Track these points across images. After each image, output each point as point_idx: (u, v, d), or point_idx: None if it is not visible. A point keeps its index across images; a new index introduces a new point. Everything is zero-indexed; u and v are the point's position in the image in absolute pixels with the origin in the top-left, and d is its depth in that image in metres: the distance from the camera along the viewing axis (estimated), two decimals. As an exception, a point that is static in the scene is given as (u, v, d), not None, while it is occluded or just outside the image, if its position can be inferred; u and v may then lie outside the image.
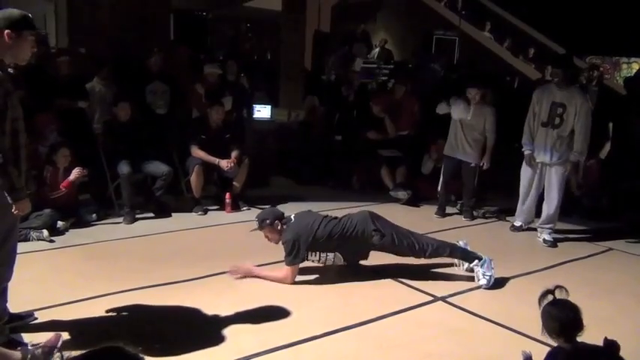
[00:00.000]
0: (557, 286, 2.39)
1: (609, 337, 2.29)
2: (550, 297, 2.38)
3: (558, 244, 5.33)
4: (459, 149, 6.02)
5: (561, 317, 2.30)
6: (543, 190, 5.39)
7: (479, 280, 4.13)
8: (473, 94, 5.90)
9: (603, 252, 5.21)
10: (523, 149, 5.39)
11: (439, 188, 6.24)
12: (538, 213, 5.52)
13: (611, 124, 6.76)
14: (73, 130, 5.90)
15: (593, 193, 6.47)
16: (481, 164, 5.97)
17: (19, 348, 2.81)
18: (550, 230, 5.37)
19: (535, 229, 5.54)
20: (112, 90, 6.32)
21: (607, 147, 6.83)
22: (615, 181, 6.36)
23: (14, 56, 2.90)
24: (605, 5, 12.10)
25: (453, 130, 6.08)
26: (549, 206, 5.32)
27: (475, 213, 6.18)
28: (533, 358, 2.48)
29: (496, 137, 5.93)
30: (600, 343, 2.30)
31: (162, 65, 6.64)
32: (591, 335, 2.30)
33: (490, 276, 4.10)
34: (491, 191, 6.72)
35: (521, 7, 13.11)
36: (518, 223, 5.70)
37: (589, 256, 5.07)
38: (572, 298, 2.38)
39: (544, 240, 5.34)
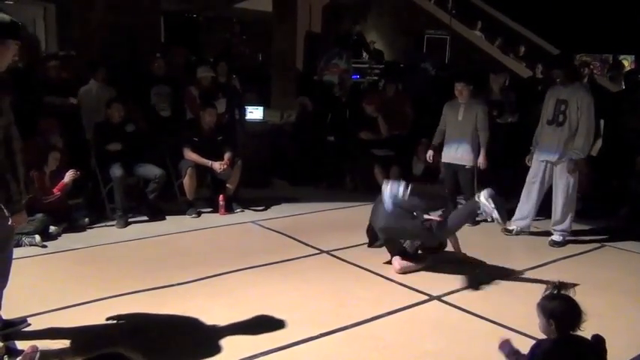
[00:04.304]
0: (562, 283, 2.39)
1: (601, 334, 2.32)
2: (554, 292, 2.37)
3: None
4: (454, 153, 5.82)
5: (561, 313, 2.30)
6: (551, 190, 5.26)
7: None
8: (459, 88, 5.72)
9: (596, 249, 5.23)
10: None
11: None
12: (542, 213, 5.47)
13: (602, 122, 6.76)
14: (66, 132, 5.87)
15: (584, 193, 6.42)
16: (478, 165, 5.71)
17: None
18: (562, 232, 5.20)
19: (529, 232, 5.49)
20: (110, 92, 6.26)
21: (599, 144, 6.82)
22: (609, 179, 6.35)
23: None
24: (595, 3, 12.17)
25: (446, 134, 5.90)
26: (556, 207, 5.21)
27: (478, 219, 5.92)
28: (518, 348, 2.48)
29: (488, 134, 5.72)
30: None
31: (166, 68, 6.68)
32: (583, 332, 2.32)
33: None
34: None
35: (512, 5, 13.17)
36: (511, 227, 5.42)
37: (582, 252, 5.08)
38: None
39: (553, 241, 5.20)
